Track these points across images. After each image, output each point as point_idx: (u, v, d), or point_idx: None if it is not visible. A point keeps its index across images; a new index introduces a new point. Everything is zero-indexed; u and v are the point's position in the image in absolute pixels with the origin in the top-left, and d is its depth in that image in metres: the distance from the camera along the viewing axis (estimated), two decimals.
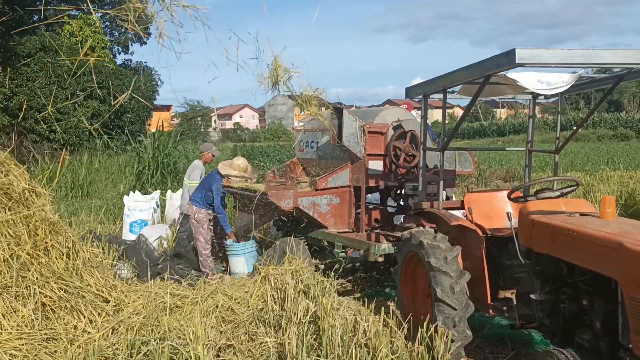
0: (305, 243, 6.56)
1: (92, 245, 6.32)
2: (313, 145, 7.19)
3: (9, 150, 4.82)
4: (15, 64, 22.23)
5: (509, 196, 4.53)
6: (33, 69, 23.07)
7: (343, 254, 6.31)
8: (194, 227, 7.47)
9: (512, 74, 3.95)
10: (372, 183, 6.46)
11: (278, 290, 4.89)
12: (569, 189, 4.45)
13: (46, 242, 4.51)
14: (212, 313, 4.73)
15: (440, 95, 4.97)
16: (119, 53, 36.15)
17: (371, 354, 3.45)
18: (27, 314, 3.96)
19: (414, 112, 8.19)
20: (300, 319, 4.14)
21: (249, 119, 78.23)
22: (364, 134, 6.35)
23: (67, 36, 25.76)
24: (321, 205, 6.44)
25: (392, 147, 6.38)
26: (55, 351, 3.84)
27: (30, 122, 22.94)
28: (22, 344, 3.72)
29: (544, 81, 4.13)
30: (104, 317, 4.42)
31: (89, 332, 4.16)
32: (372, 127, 6.42)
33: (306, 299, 4.49)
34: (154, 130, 19.27)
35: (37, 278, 4.20)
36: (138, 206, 8.95)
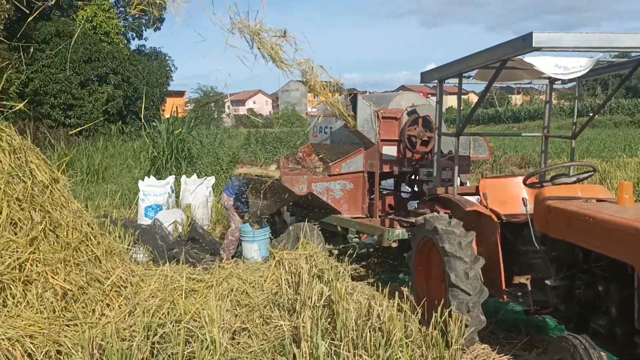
0: (319, 228, 6.59)
1: (108, 230, 6.40)
2: (327, 131, 7.18)
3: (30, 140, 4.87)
4: (30, 49, 22.35)
5: (524, 182, 4.50)
6: (48, 55, 23.20)
7: (357, 239, 6.32)
8: (226, 213, 7.92)
9: (529, 59, 3.91)
10: (386, 169, 6.45)
11: (292, 275, 4.92)
12: (586, 175, 4.41)
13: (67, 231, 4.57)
14: (227, 297, 4.77)
15: (455, 81, 4.94)
16: (133, 39, 36.23)
17: (385, 338, 3.47)
18: (48, 300, 4.01)
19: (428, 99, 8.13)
20: (314, 303, 4.17)
21: (262, 105, 78.23)
22: (378, 120, 6.33)
23: (82, 22, 25.83)
24: (335, 190, 6.45)
25: (407, 133, 6.36)
26: (75, 334, 3.90)
27: (45, 108, 23.11)
28: (43, 329, 3.77)
29: (562, 66, 4.08)
30: (121, 302, 4.47)
31: (107, 315, 4.22)
32: (387, 112, 6.39)
33: (320, 283, 4.51)
34: (168, 116, 19.35)
35: (59, 266, 4.25)
36: (153, 191, 9.02)
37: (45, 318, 3.88)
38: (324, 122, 7.19)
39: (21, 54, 18.79)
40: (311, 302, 4.23)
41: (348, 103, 6.47)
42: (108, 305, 4.36)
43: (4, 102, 5.27)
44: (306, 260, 5.08)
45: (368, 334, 3.38)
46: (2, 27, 14.59)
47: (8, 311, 3.80)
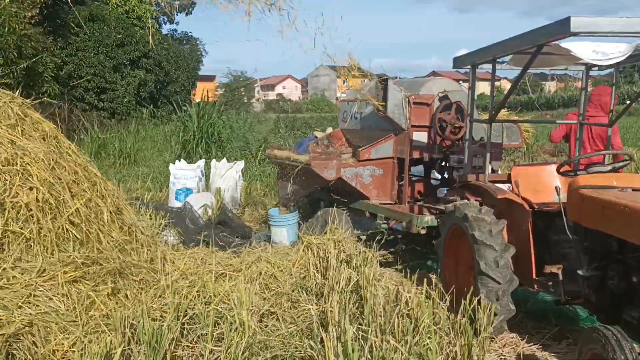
0: (347, 214, 6.59)
1: (139, 212, 6.51)
2: (357, 116, 7.15)
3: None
4: (65, 33, 22.68)
5: (558, 170, 4.42)
6: (82, 39, 23.50)
7: (385, 226, 6.31)
8: None
9: (565, 44, 3.82)
10: (416, 155, 6.40)
11: (320, 259, 4.93)
12: (622, 164, 4.32)
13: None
14: (256, 280, 4.82)
15: (488, 67, 4.86)
16: (165, 23, 36.50)
17: (413, 324, 3.46)
18: (85, 289, 4.09)
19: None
20: (342, 288, 4.18)
21: (292, 90, 78.23)
22: (408, 105, 6.27)
23: (115, 6, 26.09)
24: (364, 176, 6.44)
25: (438, 119, 6.30)
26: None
27: (79, 91, 23.48)
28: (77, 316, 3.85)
29: (600, 51, 3.98)
30: (153, 284, 4.55)
31: (140, 296, 4.29)
32: (418, 98, 6.34)
33: (348, 268, 4.52)
34: (198, 100, 19.50)
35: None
36: (184, 174, 9.13)
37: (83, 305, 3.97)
38: (353, 107, 7.17)
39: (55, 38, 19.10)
40: (339, 287, 4.25)
41: (379, 88, 6.43)
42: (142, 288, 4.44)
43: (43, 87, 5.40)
44: (334, 245, 5.09)
45: (396, 319, 3.38)
46: (37, 12, 14.80)
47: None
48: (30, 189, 4.09)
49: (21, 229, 3.93)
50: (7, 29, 12.60)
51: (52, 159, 4.41)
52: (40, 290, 3.76)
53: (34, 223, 4.01)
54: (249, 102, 51.43)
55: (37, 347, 3.40)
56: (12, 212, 3.93)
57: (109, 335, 3.58)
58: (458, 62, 5.16)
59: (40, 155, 4.28)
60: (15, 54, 13.44)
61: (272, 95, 70.24)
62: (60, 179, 4.35)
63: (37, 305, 3.69)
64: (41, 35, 16.43)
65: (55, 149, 4.64)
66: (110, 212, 4.77)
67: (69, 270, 3.97)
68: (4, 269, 3.73)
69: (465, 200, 4.84)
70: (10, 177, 4.03)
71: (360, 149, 6.43)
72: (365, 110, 6.90)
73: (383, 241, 5.69)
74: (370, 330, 3.36)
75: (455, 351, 3.40)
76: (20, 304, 3.59)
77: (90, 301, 3.94)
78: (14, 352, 3.34)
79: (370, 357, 3.08)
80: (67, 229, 4.22)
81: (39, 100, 5.15)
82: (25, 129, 4.54)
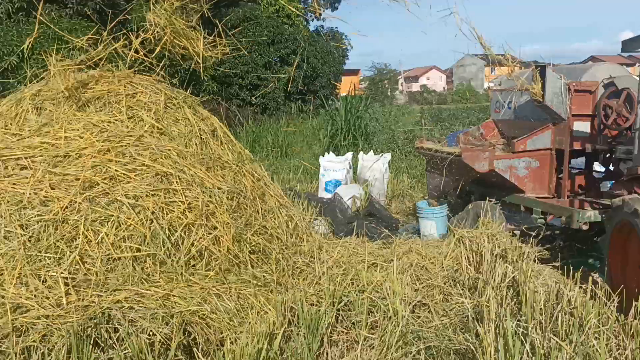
0: (500, 207, 6.38)
1: (293, 202, 6.82)
2: (511, 106, 6.88)
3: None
4: (222, 35, 24.20)
5: None
6: (237, 39, 24.89)
7: (541, 221, 6.02)
8: None
9: None
10: (577, 146, 6.02)
11: (473, 253, 4.85)
12: None
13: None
14: (407, 271, 4.85)
15: None
16: (312, 20, 37.50)
17: (577, 324, 3.29)
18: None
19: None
20: (498, 283, 4.08)
21: (436, 81, 76.76)
22: (569, 93, 5.91)
23: (266, 6, 27.33)
24: (519, 168, 6.18)
25: (603, 107, 5.86)
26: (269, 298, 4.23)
27: (234, 89, 24.96)
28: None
29: None
30: (309, 272, 4.77)
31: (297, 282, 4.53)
32: (580, 85, 5.95)
33: (504, 263, 4.40)
34: (344, 94, 19.88)
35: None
36: (333, 166, 9.39)
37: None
38: (507, 96, 6.90)
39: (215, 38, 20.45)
40: (494, 282, 4.15)
41: (535, 76, 6.13)
42: (300, 272, 4.68)
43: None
44: (488, 239, 4.97)
45: (559, 317, 3.23)
46: (198, 17, 15.98)
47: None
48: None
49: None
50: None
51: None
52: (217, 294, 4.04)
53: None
54: (392, 94, 51.38)
55: (210, 328, 3.71)
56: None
57: (271, 317, 3.82)
58: (628, 45, 4.78)
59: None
60: (180, 55, 14.63)
61: (415, 87, 69.46)
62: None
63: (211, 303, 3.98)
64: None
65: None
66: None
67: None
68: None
69: (635, 195, 4.48)
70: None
71: (515, 140, 6.18)
72: (521, 99, 6.62)
73: (540, 237, 5.43)
74: (530, 327, 3.25)
75: (627, 355, 3.17)
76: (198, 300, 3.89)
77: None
78: (190, 330, 3.66)
79: (531, 354, 2.98)
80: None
81: (206, 98, 5.59)
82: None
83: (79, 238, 3.73)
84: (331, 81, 31.60)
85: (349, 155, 9.98)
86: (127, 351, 3.20)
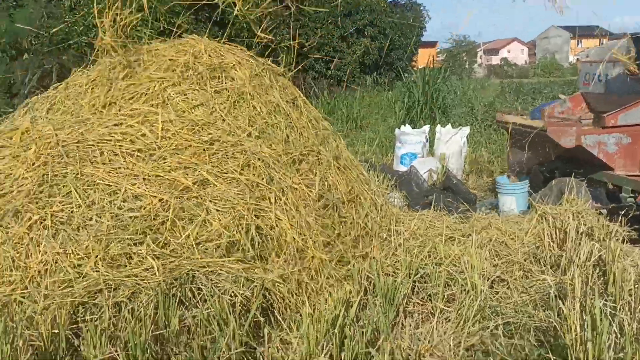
0: (586, 185, 6.11)
1: (368, 173, 6.81)
2: (601, 79, 6.53)
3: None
4: (298, 6, 24.19)
5: None
6: (314, 11, 24.80)
7: (631, 200, 5.73)
8: None
9: None
10: None
11: (557, 230, 4.68)
12: None
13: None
14: (486, 246, 4.75)
15: None
16: None
17: None
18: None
19: None
20: (583, 262, 3.93)
21: (517, 54, 73.80)
22: None
23: None
24: (608, 144, 5.89)
25: None
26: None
27: (310, 60, 25.00)
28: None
29: None
30: (386, 243, 4.77)
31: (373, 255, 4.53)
32: None
33: (590, 241, 4.22)
34: (421, 66, 19.49)
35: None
36: (409, 139, 9.26)
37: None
38: (597, 68, 6.56)
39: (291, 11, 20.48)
40: (578, 260, 4.00)
41: (631, 47, 5.78)
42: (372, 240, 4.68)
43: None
44: (573, 217, 4.78)
45: None
46: None
47: None
48: None
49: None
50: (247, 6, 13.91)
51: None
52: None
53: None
54: (470, 67, 49.86)
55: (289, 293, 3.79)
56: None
57: (348, 285, 3.86)
58: None
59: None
60: (257, 27, 14.77)
61: (495, 60, 67.05)
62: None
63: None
64: (280, 10, 17.75)
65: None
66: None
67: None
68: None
69: None
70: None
71: (605, 115, 5.88)
72: (612, 71, 6.27)
73: (630, 216, 5.17)
74: (618, 307, 3.12)
75: None
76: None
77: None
78: (269, 296, 3.74)
79: (619, 335, 2.87)
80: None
81: (284, 70, 5.60)
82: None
83: (165, 232, 3.72)
84: (408, 53, 31.07)
85: (426, 128, 9.81)
86: (209, 310, 3.32)
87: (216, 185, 4.01)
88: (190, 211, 3.81)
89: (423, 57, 26.19)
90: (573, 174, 6.03)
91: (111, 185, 3.85)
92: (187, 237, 3.71)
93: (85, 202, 3.72)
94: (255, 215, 3.96)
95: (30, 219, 3.62)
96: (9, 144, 4.12)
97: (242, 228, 3.81)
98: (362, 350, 3.12)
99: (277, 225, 4.00)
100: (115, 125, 4.22)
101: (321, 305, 3.59)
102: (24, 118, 4.50)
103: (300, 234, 4.07)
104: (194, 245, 3.69)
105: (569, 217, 4.75)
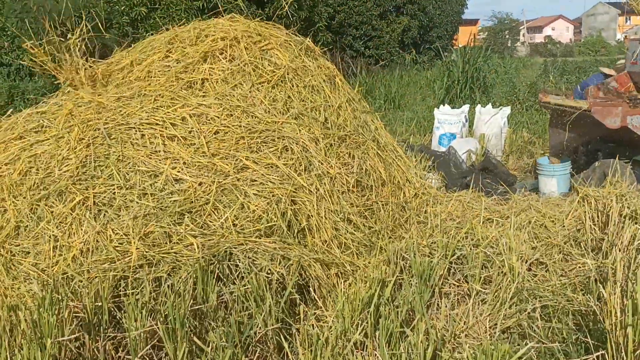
0: (631, 167, 5.94)
1: (406, 153, 6.76)
2: None
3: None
4: None
5: None
6: None
7: None
8: None
9: None
10: None
11: (599, 213, 4.57)
12: None
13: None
14: (525, 228, 4.68)
15: None
16: None
17: None
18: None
19: None
20: (626, 246, 3.84)
21: (562, 32, 71.63)
22: None
23: None
24: None
25: None
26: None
27: (348, 39, 24.81)
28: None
29: None
30: (423, 224, 4.76)
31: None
32: None
33: (634, 224, 4.11)
34: (461, 45, 19.13)
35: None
36: (448, 119, 9.14)
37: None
38: None
39: None
40: (621, 244, 3.91)
41: None
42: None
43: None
44: (617, 199, 4.65)
45: None
46: None
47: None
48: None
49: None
50: None
51: None
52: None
53: None
54: (512, 46, 48.68)
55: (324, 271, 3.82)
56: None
57: (384, 264, 3.87)
58: None
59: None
60: (296, 5, 14.71)
61: (539, 38, 65.24)
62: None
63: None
64: None
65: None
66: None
67: None
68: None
69: None
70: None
71: None
72: None
73: None
74: None
75: None
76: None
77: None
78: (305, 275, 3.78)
79: None
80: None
81: (322, 50, 5.57)
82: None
83: (205, 215, 3.80)
84: (448, 31, 30.54)
85: (466, 108, 9.66)
86: (246, 287, 3.37)
87: (255, 170, 4.05)
88: (229, 195, 3.88)
89: (464, 36, 25.68)
90: (617, 156, 5.88)
91: (152, 169, 3.94)
92: (226, 220, 3.78)
93: (126, 185, 3.82)
94: (292, 200, 4.00)
95: (73, 199, 3.74)
96: (54, 125, 4.24)
97: (279, 212, 3.85)
98: (396, 330, 3.13)
99: (314, 208, 4.03)
100: (155, 108, 4.29)
101: (357, 284, 3.62)
102: (68, 98, 4.61)
103: (337, 215, 4.09)
104: (232, 226, 3.75)
105: (611, 200, 4.62)
